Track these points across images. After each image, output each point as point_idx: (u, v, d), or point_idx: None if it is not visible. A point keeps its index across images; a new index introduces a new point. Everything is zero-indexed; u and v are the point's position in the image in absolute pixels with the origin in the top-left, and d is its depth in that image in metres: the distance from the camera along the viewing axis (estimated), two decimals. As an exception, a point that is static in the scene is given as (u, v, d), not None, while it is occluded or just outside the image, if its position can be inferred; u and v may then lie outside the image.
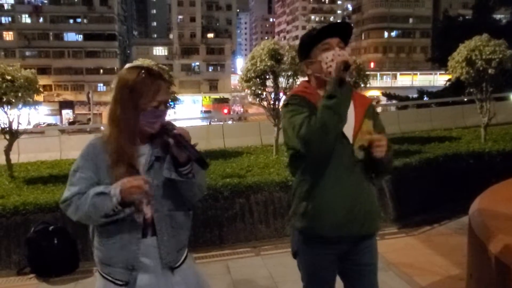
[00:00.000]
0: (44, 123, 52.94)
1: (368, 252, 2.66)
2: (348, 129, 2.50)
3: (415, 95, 36.99)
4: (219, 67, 79.69)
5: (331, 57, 2.44)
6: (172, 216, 2.32)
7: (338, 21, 2.79)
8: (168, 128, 2.21)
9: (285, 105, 2.64)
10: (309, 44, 2.57)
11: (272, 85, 9.02)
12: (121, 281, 2.30)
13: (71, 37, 73.69)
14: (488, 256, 2.49)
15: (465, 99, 16.07)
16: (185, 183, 2.24)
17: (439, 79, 59.95)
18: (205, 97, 75.27)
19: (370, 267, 2.69)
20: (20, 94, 8.00)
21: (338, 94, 2.37)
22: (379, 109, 23.49)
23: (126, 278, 2.29)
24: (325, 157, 2.49)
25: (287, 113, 2.56)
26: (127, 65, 8.36)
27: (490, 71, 9.14)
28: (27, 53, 71.14)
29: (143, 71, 2.25)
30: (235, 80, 55.77)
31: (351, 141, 2.51)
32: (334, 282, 2.77)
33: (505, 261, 2.33)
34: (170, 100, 2.35)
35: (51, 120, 62.33)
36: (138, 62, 9.61)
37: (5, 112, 8.20)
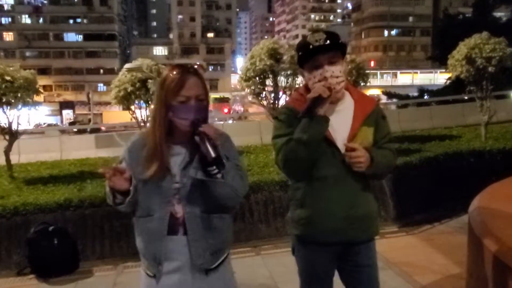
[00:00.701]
0: (44, 124, 53.00)
1: (366, 253, 2.65)
2: (343, 137, 2.50)
3: (416, 94, 37.08)
4: (219, 67, 79.74)
5: (317, 77, 2.45)
6: (205, 218, 2.28)
7: (322, 39, 2.52)
8: (197, 125, 2.16)
9: (275, 118, 2.71)
10: (301, 59, 2.56)
11: (271, 84, 9.00)
12: (152, 272, 2.33)
13: (71, 37, 73.78)
14: (487, 255, 2.48)
15: (466, 97, 16.06)
16: (214, 183, 2.18)
17: (440, 78, 59.81)
18: (205, 97, 75.03)
19: (369, 268, 2.67)
20: (19, 95, 8.02)
21: (307, 130, 2.41)
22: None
23: (154, 271, 2.32)
24: (307, 173, 2.55)
25: (274, 130, 2.66)
26: (126, 65, 8.31)
27: (490, 69, 9.13)
28: (28, 54, 71.27)
29: (174, 68, 2.26)
30: (235, 79, 55.70)
31: (343, 150, 2.49)
32: (331, 280, 2.77)
33: (504, 260, 2.33)
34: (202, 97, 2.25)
35: (52, 120, 62.34)
36: (138, 61, 9.61)
37: (5, 113, 8.21)
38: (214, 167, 2.15)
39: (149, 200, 2.27)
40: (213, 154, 2.09)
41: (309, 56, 2.47)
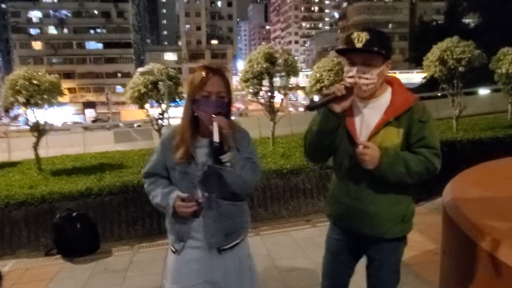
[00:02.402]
0: (70, 121, 52.96)
1: (376, 249, 2.42)
2: (367, 133, 2.29)
3: (395, 91, 36.83)
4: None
5: (349, 74, 2.23)
6: (219, 203, 2.28)
7: (359, 44, 2.24)
8: (213, 117, 2.17)
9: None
10: (341, 52, 2.33)
11: (268, 84, 8.96)
12: (175, 248, 2.36)
13: (92, 45, 73.58)
14: (459, 233, 2.45)
15: (439, 94, 15.96)
16: (225, 171, 2.19)
17: (416, 77, 59.67)
18: (210, 96, 75.03)
19: (378, 263, 2.44)
20: (45, 96, 7.99)
21: (318, 122, 2.27)
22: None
23: (177, 246, 2.35)
24: (323, 159, 2.51)
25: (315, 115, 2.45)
26: (139, 69, 8.26)
27: (460, 69, 9.10)
28: (54, 60, 71.10)
29: (202, 68, 2.27)
30: (236, 80, 55.56)
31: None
32: (346, 264, 2.57)
33: (473, 238, 2.30)
34: (225, 95, 2.27)
35: (77, 118, 62.29)
36: (149, 66, 9.56)
37: (33, 112, 8.18)
38: (225, 156, 2.15)
39: (179, 185, 2.29)
40: (217, 139, 2.10)
41: (345, 52, 2.27)
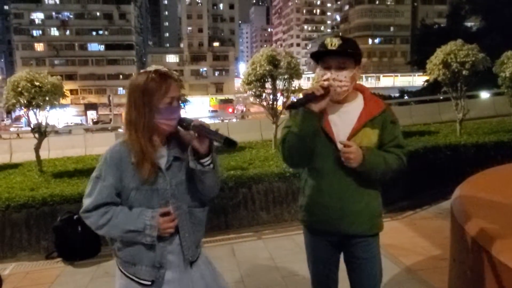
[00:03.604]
0: (72, 123, 52.97)
1: (363, 247, 2.51)
2: (345, 135, 2.39)
3: (397, 94, 36.97)
4: (224, 72, 79.66)
5: (325, 77, 2.34)
6: (192, 213, 2.17)
7: (335, 43, 2.26)
8: (186, 122, 2.04)
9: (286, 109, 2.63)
10: (316, 57, 2.44)
11: (270, 87, 8.91)
12: (147, 280, 2.10)
13: (94, 47, 73.82)
14: (469, 241, 2.40)
15: (441, 97, 15.90)
16: (208, 173, 2.08)
17: (417, 80, 59.68)
18: (212, 98, 75.29)
19: (366, 261, 2.52)
20: (47, 98, 7.93)
21: (299, 124, 2.32)
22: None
23: (153, 276, 2.10)
24: (305, 163, 2.49)
25: (285, 120, 2.57)
26: (140, 72, 8.23)
27: (464, 72, 9.04)
28: (56, 62, 71.37)
29: (152, 72, 2.06)
30: (238, 83, 55.55)
31: (340, 146, 2.37)
32: (334, 265, 2.65)
33: (484, 246, 2.25)
34: (181, 99, 2.11)
35: (78, 120, 62.32)
36: (150, 68, 9.52)
37: (35, 114, 8.14)
38: (207, 159, 2.06)
39: (149, 205, 2.08)
40: (223, 135, 1.98)
41: (321, 56, 2.39)
